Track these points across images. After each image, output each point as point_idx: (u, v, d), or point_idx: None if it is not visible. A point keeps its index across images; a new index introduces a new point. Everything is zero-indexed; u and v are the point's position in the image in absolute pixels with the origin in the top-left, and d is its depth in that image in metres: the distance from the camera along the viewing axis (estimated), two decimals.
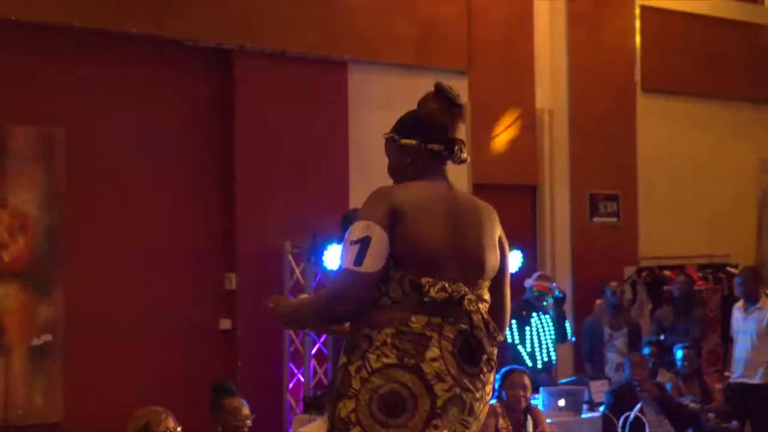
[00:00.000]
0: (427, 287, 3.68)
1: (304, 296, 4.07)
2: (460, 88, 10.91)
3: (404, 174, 3.94)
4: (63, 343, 8.10)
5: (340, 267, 3.71)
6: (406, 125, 3.98)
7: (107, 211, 8.44)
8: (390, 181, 3.98)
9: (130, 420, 5.99)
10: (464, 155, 3.99)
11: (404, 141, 3.94)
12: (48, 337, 8.04)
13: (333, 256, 8.49)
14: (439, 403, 3.63)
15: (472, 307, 3.70)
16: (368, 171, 9.78)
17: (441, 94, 4.00)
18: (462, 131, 4.02)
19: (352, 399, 3.65)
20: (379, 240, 3.66)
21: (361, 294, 3.66)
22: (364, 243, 3.66)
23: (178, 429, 6.09)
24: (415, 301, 3.69)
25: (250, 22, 9.08)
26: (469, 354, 3.69)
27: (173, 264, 8.68)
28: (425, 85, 11.39)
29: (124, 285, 8.31)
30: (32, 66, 8.17)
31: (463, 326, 3.68)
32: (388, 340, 3.65)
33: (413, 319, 3.68)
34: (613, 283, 10.68)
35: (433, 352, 3.64)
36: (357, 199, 9.37)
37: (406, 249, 3.69)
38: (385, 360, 3.64)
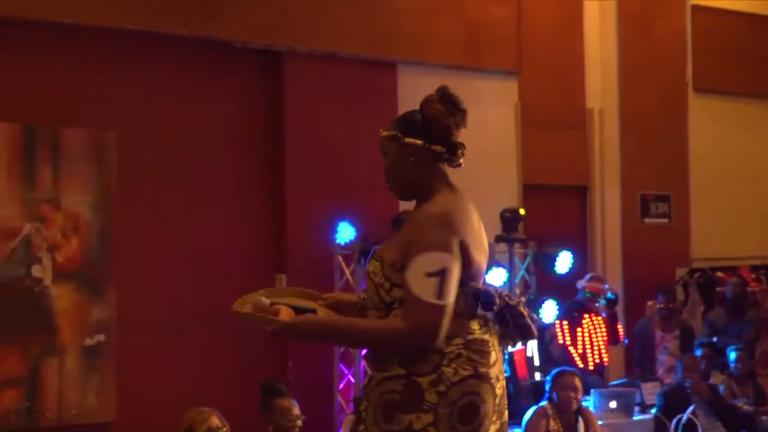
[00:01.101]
0: (479, 294, 3.80)
1: (338, 317, 3.92)
2: (509, 88, 11.06)
3: (405, 174, 3.93)
4: (115, 344, 8.16)
5: (419, 299, 3.63)
6: (409, 124, 3.95)
7: (158, 212, 8.49)
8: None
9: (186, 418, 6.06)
10: (462, 160, 4.05)
11: (408, 140, 3.92)
12: (101, 337, 8.10)
13: None
14: (497, 400, 3.76)
15: (512, 301, 3.89)
16: None
17: (447, 97, 4.01)
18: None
19: (428, 413, 3.66)
20: (455, 270, 3.70)
21: (442, 328, 3.65)
22: (443, 275, 3.65)
23: (224, 428, 6.12)
24: (473, 308, 3.79)
25: (299, 23, 9.10)
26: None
27: (224, 265, 8.72)
28: (475, 85, 11.50)
29: (176, 286, 8.36)
30: (84, 69, 8.24)
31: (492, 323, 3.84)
32: (463, 352, 3.72)
33: (473, 325, 3.78)
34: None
35: (493, 356, 3.78)
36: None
37: (467, 269, 3.76)
38: (463, 372, 3.69)
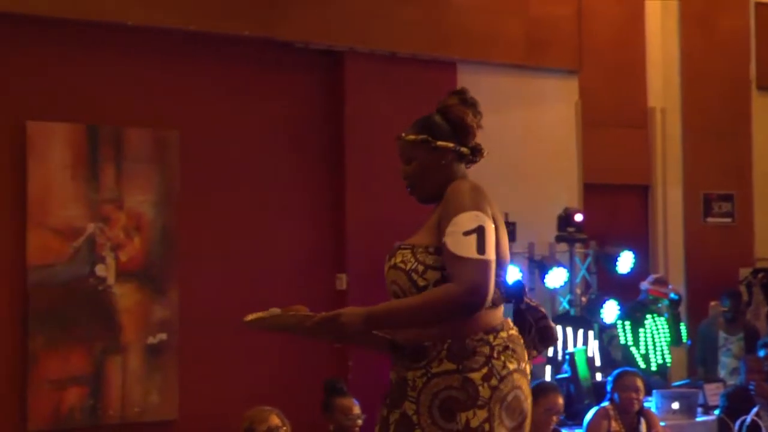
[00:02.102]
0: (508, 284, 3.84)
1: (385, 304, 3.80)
2: (570, 87, 11.02)
3: (433, 177, 3.92)
4: (177, 342, 8.22)
5: (462, 258, 3.61)
6: (437, 128, 3.95)
7: (220, 211, 8.55)
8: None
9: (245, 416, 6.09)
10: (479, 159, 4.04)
11: (441, 143, 3.92)
12: (163, 335, 8.17)
13: None
14: (530, 401, 3.78)
15: (533, 302, 3.97)
16: (477, 171, 9.75)
17: (469, 99, 4.02)
18: None
19: (483, 408, 3.65)
20: (491, 229, 3.70)
21: (491, 285, 3.63)
22: (480, 232, 3.65)
23: (284, 428, 6.14)
24: (501, 300, 3.80)
25: (360, 23, 9.12)
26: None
27: (284, 264, 8.76)
28: (535, 84, 11.48)
29: (237, 285, 8.40)
30: (147, 69, 8.31)
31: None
32: (509, 345, 3.73)
33: (510, 321, 3.82)
34: None
35: (526, 354, 3.82)
36: None
37: (498, 252, 3.75)
38: (510, 366, 3.70)
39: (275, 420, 6.12)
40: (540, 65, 10.26)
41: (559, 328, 9.27)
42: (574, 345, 9.11)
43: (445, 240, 3.67)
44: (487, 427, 3.64)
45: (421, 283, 3.74)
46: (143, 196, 8.15)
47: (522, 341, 3.82)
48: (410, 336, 3.77)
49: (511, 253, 9.53)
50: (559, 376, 8.70)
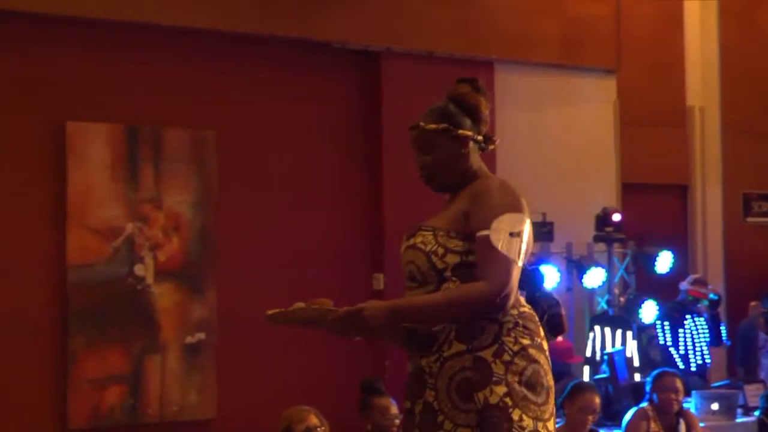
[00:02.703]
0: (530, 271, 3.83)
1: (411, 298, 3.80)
2: (608, 86, 10.97)
3: (456, 166, 3.90)
4: (216, 342, 8.25)
5: (506, 258, 3.62)
6: (454, 116, 3.91)
7: (257, 211, 8.57)
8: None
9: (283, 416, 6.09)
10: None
11: (462, 132, 3.89)
12: (201, 335, 8.20)
13: None
14: (550, 376, 3.77)
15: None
16: (514, 170, 9.73)
17: (480, 87, 3.98)
18: None
19: (500, 384, 3.64)
20: (528, 236, 3.74)
21: (516, 289, 3.67)
22: (521, 237, 3.68)
23: (322, 427, 6.14)
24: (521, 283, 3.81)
25: (397, 23, 9.12)
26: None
27: (322, 264, 8.77)
28: (573, 84, 11.42)
29: (274, 285, 8.41)
30: (185, 70, 8.35)
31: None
32: (519, 321, 3.72)
33: (522, 300, 3.80)
34: None
35: (541, 330, 3.79)
36: None
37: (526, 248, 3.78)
38: (522, 341, 3.70)
39: (313, 420, 6.13)
40: (577, 64, 10.22)
41: (597, 329, 9.24)
42: (613, 345, 9.07)
43: (487, 234, 3.65)
44: (509, 401, 3.63)
45: (440, 265, 3.74)
46: (181, 196, 8.18)
47: (536, 318, 3.81)
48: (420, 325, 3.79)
49: (550, 253, 9.56)
50: (598, 377, 8.67)
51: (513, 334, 3.69)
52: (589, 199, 10.00)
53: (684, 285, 9.84)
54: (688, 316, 9.69)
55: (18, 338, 7.62)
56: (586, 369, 9.14)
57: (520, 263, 3.67)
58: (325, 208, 8.90)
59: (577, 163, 10.24)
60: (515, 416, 3.62)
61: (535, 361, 3.70)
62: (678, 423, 7.64)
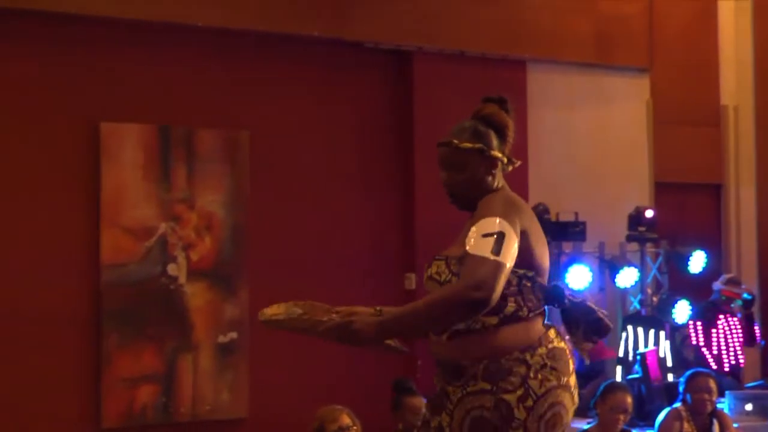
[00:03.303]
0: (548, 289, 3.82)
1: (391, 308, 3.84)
2: (641, 85, 10.91)
3: (484, 186, 3.90)
4: (248, 341, 8.27)
5: (474, 256, 3.58)
6: (485, 136, 3.91)
7: (289, 211, 8.59)
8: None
9: (316, 416, 6.08)
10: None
11: (494, 153, 3.90)
12: (234, 334, 8.23)
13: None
14: (572, 411, 3.78)
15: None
16: (547, 170, 9.72)
17: (508, 107, 3.99)
18: None
19: (518, 429, 3.65)
20: (512, 238, 3.66)
21: (498, 285, 3.56)
22: (500, 236, 3.62)
23: (354, 427, 6.15)
24: (542, 309, 3.78)
25: (429, 23, 9.11)
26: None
27: (354, 264, 8.79)
28: (606, 83, 11.35)
29: (306, 284, 8.42)
30: (217, 70, 8.38)
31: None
32: (547, 362, 3.71)
33: (551, 334, 3.78)
34: None
35: (571, 365, 3.79)
36: (535, 197, 9.31)
37: (529, 258, 3.74)
38: (548, 384, 3.69)
39: (346, 419, 6.13)
40: (610, 63, 10.19)
41: (630, 329, 9.21)
42: (645, 345, 9.03)
43: (466, 240, 3.66)
44: None
45: None
46: (214, 196, 8.22)
47: (566, 353, 3.79)
48: (450, 355, 3.77)
49: (582, 253, 9.52)
50: (630, 377, 8.64)
51: (540, 376, 3.68)
52: (621, 198, 9.96)
53: (717, 285, 9.78)
54: (721, 316, 9.63)
55: (52, 337, 7.68)
56: (619, 369, 9.11)
57: (502, 260, 3.58)
58: (357, 207, 8.92)
59: (609, 163, 10.21)
60: None
61: (558, 403, 3.70)
62: (711, 424, 7.61)
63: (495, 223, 3.64)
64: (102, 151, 7.87)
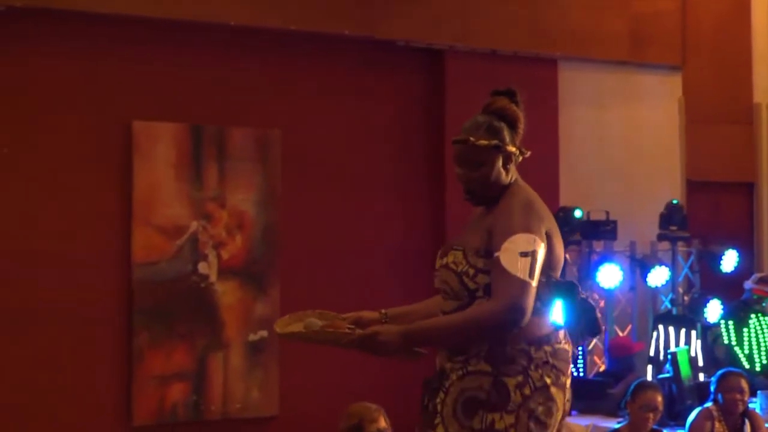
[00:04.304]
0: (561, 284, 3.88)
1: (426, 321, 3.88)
2: (673, 83, 10.84)
3: (498, 181, 3.93)
4: (278, 339, 8.28)
5: (514, 277, 3.63)
6: (503, 132, 3.95)
7: (320, 209, 8.61)
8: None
9: (343, 414, 6.07)
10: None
11: (511, 148, 3.94)
12: (264, 333, 8.25)
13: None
14: (561, 414, 3.84)
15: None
16: (578, 169, 9.70)
17: (518, 100, 4.04)
18: None
19: (511, 414, 3.69)
20: (541, 256, 3.73)
21: (530, 306, 3.66)
22: (534, 256, 3.68)
23: (389, 430, 6.14)
24: (553, 297, 3.84)
25: (460, 21, 9.11)
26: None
27: (384, 262, 8.79)
28: (637, 81, 11.29)
29: (337, 282, 8.45)
30: (249, 69, 8.40)
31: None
32: (550, 360, 3.78)
33: (562, 335, 3.85)
34: None
35: (570, 367, 3.87)
36: (567, 197, 9.29)
37: (549, 256, 3.80)
38: (546, 380, 3.74)
39: (383, 422, 6.12)
40: (642, 61, 10.15)
41: (661, 328, 9.18)
42: (677, 344, 9.00)
43: (498, 255, 3.68)
44: (512, 431, 3.69)
45: (472, 286, 3.79)
46: (245, 195, 8.24)
47: (569, 355, 3.85)
48: None
49: (613, 252, 9.48)
50: (661, 376, 8.61)
51: (540, 371, 3.74)
52: (653, 197, 9.92)
53: (749, 284, 9.73)
54: (753, 315, 9.58)
55: (84, 335, 7.73)
56: (650, 368, 9.08)
57: (534, 283, 3.67)
58: (388, 206, 8.92)
59: (641, 161, 10.17)
60: None
61: (551, 401, 3.75)
62: (743, 423, 7.57)
63: (531, 241, 3.69)
64: (134, 150, 7.91)
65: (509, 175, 3.94)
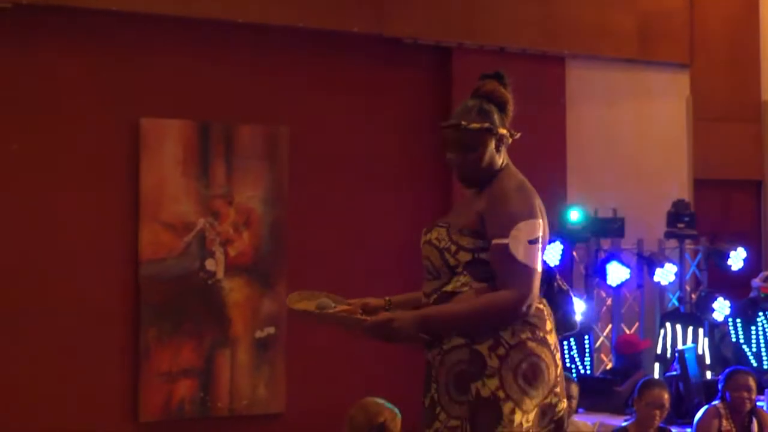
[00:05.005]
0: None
1: (441, 306, 3.83)
2: (681, 81, 10.82)
3: (490, 164, 3.94)
4: (285, 336, 8.30)
5: (527, 266, 3.69)
6: (493, 114, 3.95)
7: (328, 207, 8.61)
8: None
9: (359, 412, 5.98)
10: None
11: (502, 130, 3.94)
12: (271, 329, 8.26)
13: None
14: (558, 371, 3.83)
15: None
16: (586, 166, 9.69)
17: (506, 82, 4.02)
18: None
19: (493, 377, 3.70)
20: (544, 238, 3.81)
21: (537, 294, 3.75)
22: (539, 242, 3.74)
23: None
24: None
25: (468, 19, 9.10)
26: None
27: (392, 259, 8.78)
28: (645, 78, 11.26)
29: (345, 279, 8.43)
30: (257, 66, 8.41)
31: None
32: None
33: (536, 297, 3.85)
34: None
35: (548, 324, 3.83)
36: (575, 194, 9.29)
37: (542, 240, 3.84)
38: (521, 336, 3.74)
39: (399, 424, 6.08)
40: (651, 59, 10.14)
41: (668, 326, 9.17)
42: (684, 343, 8.99)
43: (506, 242, 3.70)
44: (501, 394, 3.69)
45: (452, 262, 3.83)
46: (253, 192, 8.25)
47: (544, 313, 3.84)
48: None
49: (620, 249, 9.47)
50: (669, 374, 8.60)
51: (511, 329, 3.74)
52: (661, 194, 9.92)
53: (756, 282, 9.71)
54: (760, 313, 9.56)
55: (91, 331, 7.74)
56: (657, 366, 9.08)
57: (539, 268, 3.73)
58: (396, 203, 8.92)
59: (649, 159, 10.16)
60: (506, 409, 3.69)
61: (535, 355, 3.74)
62: (751, 422, 7.55)
63: (536, 227, 3.73)
64: (142, 147, 7.92)
65: (501, 158, 3.95)
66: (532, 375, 3.73)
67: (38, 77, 7.73)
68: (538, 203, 3.83)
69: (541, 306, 3.84)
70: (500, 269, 3.72)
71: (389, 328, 3.77)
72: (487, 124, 3.92)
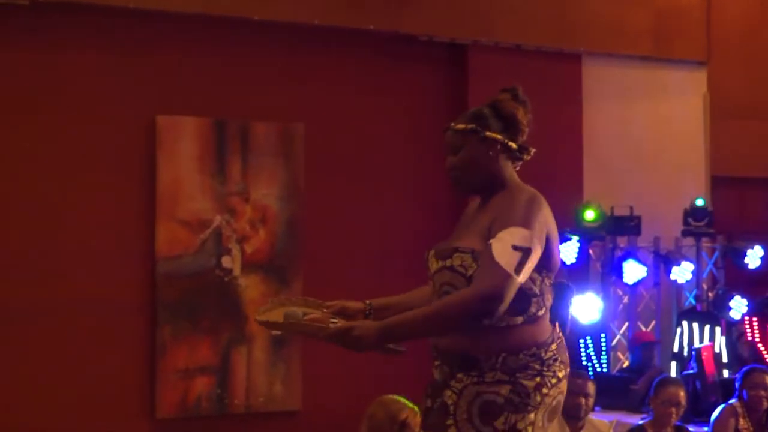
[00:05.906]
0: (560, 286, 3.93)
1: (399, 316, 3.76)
2: (698, 78, 10.78)
3: (482, 168, 3.89)
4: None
5: (498, 266, 3.57)
6: (485, 119, 3.90)
7: (343, 203, 8.61)
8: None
9: (380, 405, 5.96)
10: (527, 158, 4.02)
11: (489, 134, 3.88)
12: None
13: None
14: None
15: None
16: (603, 164, 9.67)
17: (521, 98, 3.98)
18: None
19: (531, 413, 3.69)
20: (536, 255, 3.67)
21: (508, 299, 3.59)
22: (526, 253, 3.62)
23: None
24: (547, 307, 3.83)
25: (484, 16, 9.10)
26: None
27: (407, 256, 8.77)
28: (662, 76, 11.23)
29: (360, 277, 8.45)
30: (273, 64, 8.42)
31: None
32: (558, 356, 3.78)
33: (557, 327, 3.85)
34: None
35: (567, 355, 3.86)
36: (591, 192, 9.27)
37: (549, 260, 3.76)
38: (559, 375, 3.76)
39: (419, 420, 6.06)
40: (667, 57, 10.11)
41: (685, 324, 9.15)
42: (701, 341, 8.97)
43: (491, 241, 3.64)
44: (530, 429, 3.69)
45: None
46: (269, 189, 8.26)
47: (565, 344, 3.87)
48: (459, 346, 3.75)
49: (637, 247, 9.44)
50: (686, 373, 8.58)
51: (553, 369, 3.74)
52: (678, 192, 9.89)
53: None
54: None
55: (108, 328, 7.76)
56: (674, 365, 9.06)
57: (520, 279, 3.60)
58: (411, 200, 8.92)
59: (666, 157, 10.14)
60: None
61: (562, 393, 3.79)
62: (767, 420, 7.54)
63: (527, 238, 3.63)
64: (158, 144, 7.93)
65: (500, 168, 3.90)
66: (555, 410, 3.79)
67: (55, 75, 7.75)
68: (545, 218, 3.76)
69: (562, 335, 3.86)
70: (479, 266, 3.66)
71: (350, 336, 3.67)
72: (471, 126, 3.89)
